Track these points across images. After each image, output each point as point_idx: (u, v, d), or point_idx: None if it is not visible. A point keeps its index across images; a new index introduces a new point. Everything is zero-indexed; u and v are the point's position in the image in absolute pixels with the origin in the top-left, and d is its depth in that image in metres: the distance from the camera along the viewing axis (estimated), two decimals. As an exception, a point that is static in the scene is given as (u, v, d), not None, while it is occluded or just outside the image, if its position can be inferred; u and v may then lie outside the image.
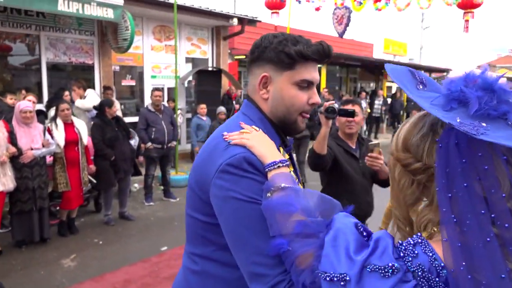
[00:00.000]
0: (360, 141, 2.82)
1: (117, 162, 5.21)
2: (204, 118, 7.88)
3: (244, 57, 15.39)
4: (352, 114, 2.46)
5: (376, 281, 0.76)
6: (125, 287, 3.75)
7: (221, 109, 7.95)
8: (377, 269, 0.77)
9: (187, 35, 9.77)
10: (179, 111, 7.99)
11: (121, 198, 5.62)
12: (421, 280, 0.77)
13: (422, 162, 0.88)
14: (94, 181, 5.46)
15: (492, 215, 0.76)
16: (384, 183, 2.70)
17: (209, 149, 1.13)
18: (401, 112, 17.00)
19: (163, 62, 9.30)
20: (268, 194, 0.97)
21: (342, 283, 0.77)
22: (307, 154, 2.74)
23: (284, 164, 1.03)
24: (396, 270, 0.77)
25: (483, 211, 0.76)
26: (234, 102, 10.30)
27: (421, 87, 0.91)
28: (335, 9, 7.89)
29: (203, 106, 7.88)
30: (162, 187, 6.88)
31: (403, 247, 0.81)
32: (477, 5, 6.43)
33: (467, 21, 6.71)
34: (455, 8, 7.22)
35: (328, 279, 0.79)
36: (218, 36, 10.35)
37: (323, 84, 13.18)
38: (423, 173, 0.88)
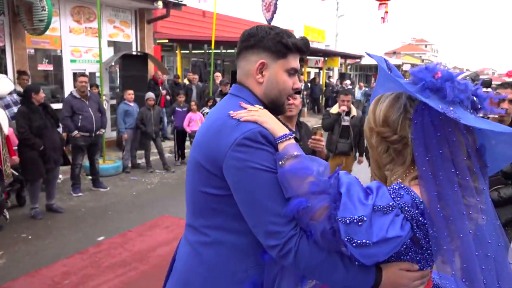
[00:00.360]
0: (299, 124, 3.04)
1: (47, 151, 4.90)
2: (132, 104, 7.65)
3: (167, 41, 15.05)
4: (300, 92, 2.69)
5: (380, 217, 1.01)
6: (65, 279, 3.63)
7: (150, 94, 7.78)
8: (380, 209, 1.01)
9: (108, 17, 9.30)
10: (104, 97, 7.66)
11: (49, 189, 5.32)
12: (407, 213, 1.05)
13: (397, 134, 1.14)
14: (16, 173, 5.11)
15: (457, 172, 1.05)
16: None
17: (214, 128, 1.22)
18: (320, 97, 17.90)
19: (83, 45, 8.78)
20: (281, 162, 1.11)
21: (360, 223, 0.99)
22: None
23: (292, 136, 1.18)
24: (393, 207, 1.03)
25: (452, 170, 1.05)
26: (160, 87, 10.08)
27: (390, 72, 1.12)
28: (263, -4, 8.11)
29: (131, 92, 7.64)
30: (89, 177, 6.62)
31: (391, 191, 1.07)
32: (390, -3, 7.07)
33: (386, 12, 7.32)
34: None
35: (348, 222, 1.01)
36: (142, 19, 10.00)
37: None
38: (399, 143, 1.15)
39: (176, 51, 15.59)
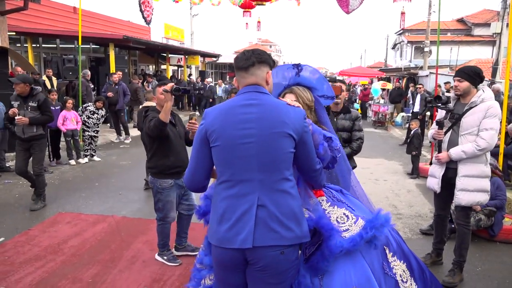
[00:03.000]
0: (172, 113, 3.79)
1: None
2: (-2, 103, 7.12)
3: (14, 33, 13.65)
4: (189, 91, 3.63)
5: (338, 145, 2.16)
6: (-20, 279, 3.59)
7: (19, 93, 7.31)
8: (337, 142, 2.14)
9: (-48, 6, 8.28)
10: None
11: None
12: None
13: (314, 106, 2.31)
14: None
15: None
16: (191, 143, 3.88)
17: (285, 112, 1.97)
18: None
19: None
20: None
21: (339, 148, 2.11)
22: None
23: None
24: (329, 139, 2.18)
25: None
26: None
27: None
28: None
29: (-5, 90, 7.09)
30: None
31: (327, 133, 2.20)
32: (253, 6, 8.12)
33: (259, 22, 8.37)
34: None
35: (337, 148, 2.12)
36: (-6, 10, 9.13)
37: (113, 68, 13.17)
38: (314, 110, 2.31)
39: (26, 45, 14.28)
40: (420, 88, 11.80)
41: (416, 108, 11.38)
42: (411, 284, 2.36)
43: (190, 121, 3.50)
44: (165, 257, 3.96)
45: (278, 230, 1.87)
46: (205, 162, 2.01)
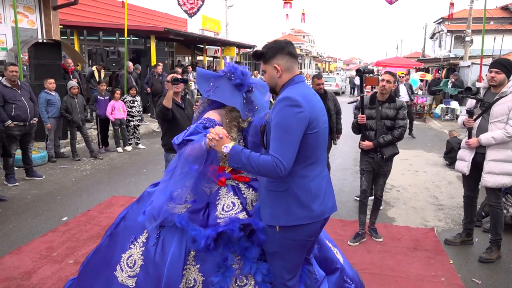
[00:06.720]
0: (183, 97, 4.35)
1: None
2: (53, 93, 7.58)
3: (62, 27, 14.32)
4: (186, 81, 4.20)
5: None
6: (52, 252, 3.95)
7: (73, 83, 7.80)
8: None
9: (10, 1, 8.83)
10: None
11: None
12: None
13: None
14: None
15: None
16: None
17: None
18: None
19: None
20: None
21: None
22: None
23: None
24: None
25: None
26: (71, 76, 9.89)
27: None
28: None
29: (52, 80, 7.53)
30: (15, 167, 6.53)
31: None
32: (295, -2, 8.24)
33: (303, 14, 8.48)
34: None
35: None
36: (47, 5, 9.66)
37: (153, 59, 13.59)
38: None
39: (72, 37, 14.95)
40: (402, 78, 11.64)
41: (406, 97, 10.94)
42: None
43: (196, 103, 4.07)
44: None
45: None
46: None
